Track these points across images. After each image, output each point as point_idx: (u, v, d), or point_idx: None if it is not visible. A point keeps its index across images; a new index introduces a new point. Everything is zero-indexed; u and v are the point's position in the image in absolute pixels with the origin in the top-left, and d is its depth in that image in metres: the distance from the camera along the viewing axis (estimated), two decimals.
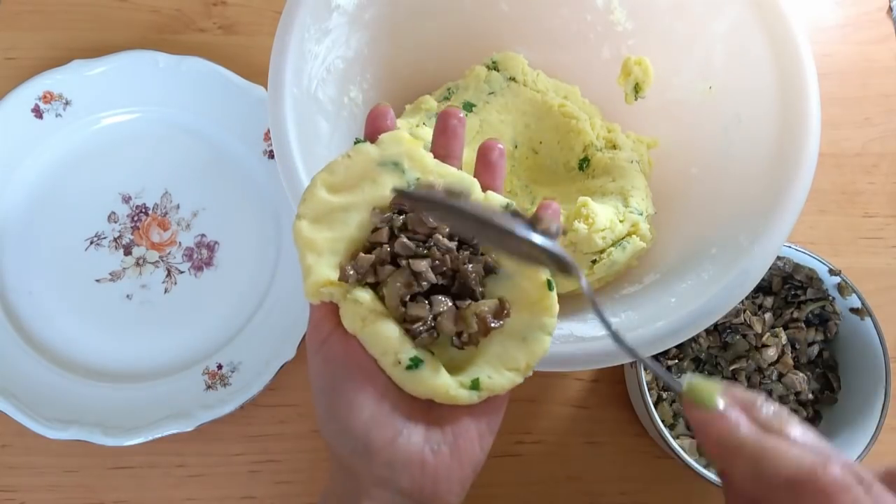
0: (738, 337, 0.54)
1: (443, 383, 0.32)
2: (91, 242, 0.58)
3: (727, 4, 0.47)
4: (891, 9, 0.68)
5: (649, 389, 0.50)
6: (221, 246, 0.58)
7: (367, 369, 0.32)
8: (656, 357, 0.53)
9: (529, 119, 0.54)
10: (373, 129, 0.36)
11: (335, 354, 0.32)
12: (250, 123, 0.60)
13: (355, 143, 0.35)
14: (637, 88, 0.53)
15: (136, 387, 0.54)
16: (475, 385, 0.32)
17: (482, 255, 0.34)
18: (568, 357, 0.38)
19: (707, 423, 0.29)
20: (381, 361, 0.32)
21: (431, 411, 0.32)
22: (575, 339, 0.41)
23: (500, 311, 0.33)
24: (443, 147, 0.37)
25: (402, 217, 0.33)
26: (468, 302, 0.33)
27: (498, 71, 0.55)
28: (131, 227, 0.59)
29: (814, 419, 0.54)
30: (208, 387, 0.54)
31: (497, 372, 0.32)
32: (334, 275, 0.33)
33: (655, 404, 0.52)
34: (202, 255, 0.58)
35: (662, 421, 0.49)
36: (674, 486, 0.54)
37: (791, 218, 0.41)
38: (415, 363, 0.31)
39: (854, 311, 0.54)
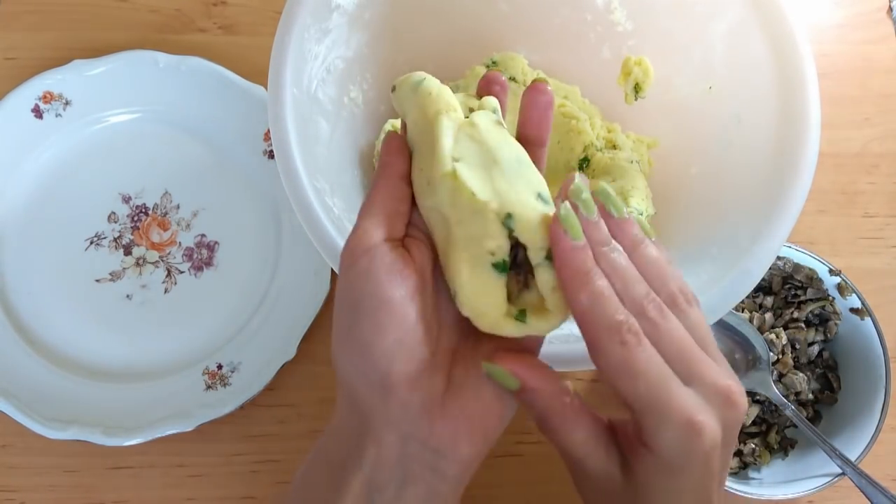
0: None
1: (503, 303, 0.30)
2: (91, 242, 0.58)
3: (727, 5, 0.47)
4: (890, 9, 0.68)
5: None
6: (221, 246, 0.58)
7: (411, 286, 0.29)
8: None
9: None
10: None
11: (378, 265, 0.28)
12: (250, 123, 0.60)
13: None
14: (637, 88, 0.53)
15: (136, 387, 0.54)
16: (521, 317, 0.29)
17: None
18: (568, 357, 0.38)
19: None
20: (463, 248, 0.29)
21: (456, 356, 0.30)
22: (575, 338, 0.41)
23: None
24: (534, 128, 0.34)
25: None
26: None
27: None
28: (131, 227, 0.59)
29: (814, 419, 0.54)
30: (208, 387, 0.54)
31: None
32: None
33: None
34: (202, 255, 0.58)
35: None
36: None
37: (791, 218, 0.41)
38: (502, 268, 0.29)
39: (854, 311, 0.54)
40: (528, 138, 0.34)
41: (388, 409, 0.28)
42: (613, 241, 0.29)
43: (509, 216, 0.29)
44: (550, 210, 0.29)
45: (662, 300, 0.29)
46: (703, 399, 0.28)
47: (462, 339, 0.31)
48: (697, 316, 0.30)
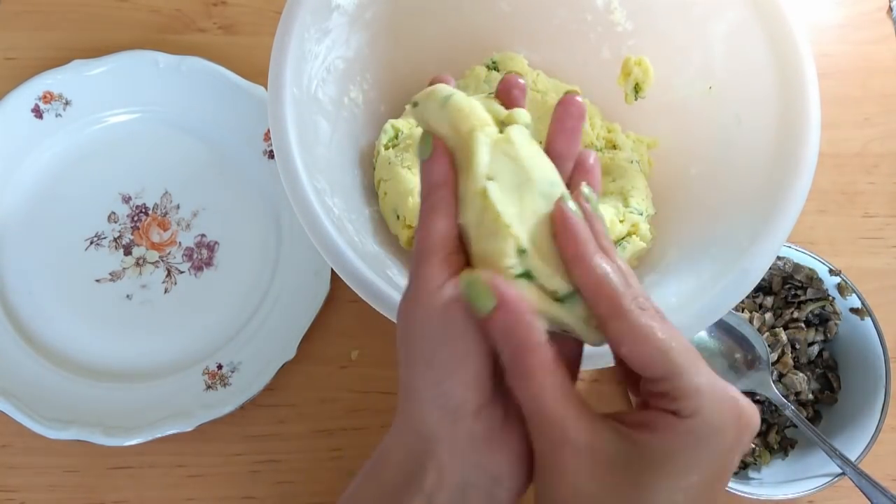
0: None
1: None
2: (91, 242, 0.58)
3: (727, 5, 0.47)
4: (891, 9, 0.68)
5: None
6: (221, 246, 0.58)
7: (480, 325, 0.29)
8: None
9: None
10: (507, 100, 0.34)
11: (456, 308, 0.29)
12: (250, 123, 0.60)
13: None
14: (637, 88, 0.53)
15: (136, 387, 0.54)
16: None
17: None
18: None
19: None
20: (480, 265, 0.30)
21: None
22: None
23: None
24: (565, 142, 0.34)
25: None
26: None
27: (498, 71, 0.55)
28: (131, 227, 0.59)
29: (814, 419, 0.54)
30: (208, 387, 0.54)
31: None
32: None
33: None
34: (202, 255, 0.58)
35: None
36: None
37: (791, 218, 0.41)
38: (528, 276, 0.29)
39: (854, 311, 0.54)
40: (557, 153, 0.33)
41: (455, 436, 0.29)
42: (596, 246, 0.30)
43: (523, 251, 0.29)
44: None
45: None
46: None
47: None
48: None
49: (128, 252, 0.58)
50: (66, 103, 0.60)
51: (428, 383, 0.29)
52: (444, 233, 0.30)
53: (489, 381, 0.29)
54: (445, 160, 0.31)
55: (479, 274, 0.28)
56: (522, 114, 0.33)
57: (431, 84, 0.33)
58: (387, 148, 0.52)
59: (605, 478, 0.27)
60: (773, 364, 0.54)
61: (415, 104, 0.33)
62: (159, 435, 0.51)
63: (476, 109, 0.32)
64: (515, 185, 0.30)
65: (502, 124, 0.32)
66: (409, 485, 0.30)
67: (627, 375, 0.30)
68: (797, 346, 0.55)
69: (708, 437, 0.27)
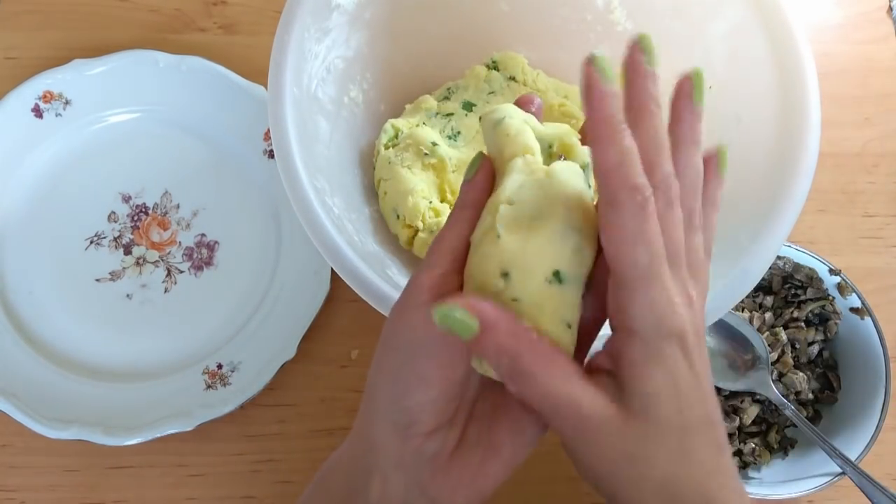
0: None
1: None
2: (91, 242, 0.58)
3: (727, 5, 0.47)
4: (891, 8, 0.68)
5: None
6: (221, 246, 0.58)
7: (458, 349, 0.29)
8: None
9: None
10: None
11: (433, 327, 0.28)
12: (250, 123, 0.60)
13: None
14: None
15: (136, 386, 0.54)
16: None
17: None
18: None
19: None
20: (472, 276, 0.29)
21: (472, 414, 0.31)
22: None
23: None
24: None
25: None
26: None
27: (498, 70, 0.55)
28: (131, 227, 0.59)
29: (814, 419, 0.54)
30: (208, 386, 0.54)
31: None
32: None
33: None
34: (202, 255, 0.58)
35: None
36: None
37: (791, 217, 0.41)
38: (560, 279, 0.28)
39: (854, 310, 0.54)
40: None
41: (402, 452, 0.29)
42: (658, 106, 0.28)
43: (507, 276, 0.28)
44: (555, 292, 0.28)
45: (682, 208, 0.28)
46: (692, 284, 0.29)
47: (482, 396, 0.32)
48: (697, 243, 0.29)
49: (128, 252, 0.58)
50: (66, 103, 0.60)
51: (387, 397, 0.30)
52: (451, 245, 0.30)
53: (448, 406, 0.30)
54: (483, 185, 0.31)
55: (456, 303, 0.27)
56: (582, 152, 0.32)
57: (520, 101, 0.34)
58: (387, 147, 0.52)
59: (625, 430, 0.27)
60: (773, 364, 0.54)
61: (480, 119, 0.33)
62: (159, 435, 0.51)
63: (523, 135, 0.31)
64: (533, 216, 0.28)
65: (558, 156, 0.32)
66: (357, 493, 0.30)
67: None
68: (797, 346, 0.55)
69: (652, 349, 0.27)
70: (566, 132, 0.33)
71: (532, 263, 0.28)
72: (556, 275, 0.28)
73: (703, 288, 0.30)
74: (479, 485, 0.30)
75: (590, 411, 0.27)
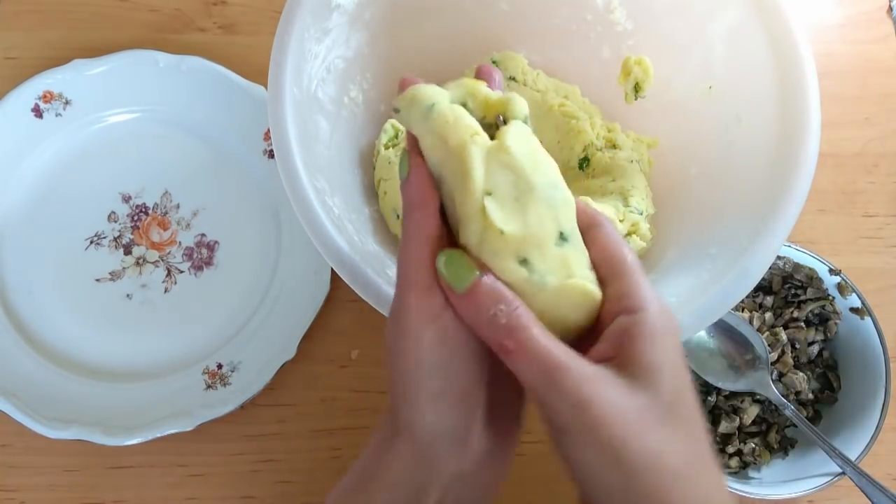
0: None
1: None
2: (91, 242, 0.58)
3: (727, 5, 0.47)
4: (891, 8, 0.68)
5: None
6: (221, 245, 0.58)
7: (482, 353, 0.30)
8: None
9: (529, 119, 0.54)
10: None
11: (453, 332, 0.29)
12: (250, 123, 0.60)
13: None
14: (637, 88, 0.53)
15: (136, 386, 0.54)
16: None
17: None
18: None
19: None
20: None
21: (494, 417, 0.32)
22: None
23: None
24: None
25: None
26: None
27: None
28: (131, 227, 0.59)
29: (814, 419, 0.54)
30: (208, 386, 0.54)
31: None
32: None
33: None
34: (202, 255, 0.58)
35: None
36: None
37: (791, 217, 0.40)
38: (565, 237, 0.29)
39: (854, 310, 0.54)
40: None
41: (461, 463, 0.30)
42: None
43: (525, 261, 0.29)
44: (568, 250, 0.29)
45: None
46: None
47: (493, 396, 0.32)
48: None
49: (128, 252, 0.58)
50: (66, 103, 0.60)
51: (439, 416, 0.30)
52: (421, 255, 0.29)
53: (474, 403, 0.30)
54: (423, 179, 0.30)
55: (457, 252, 0.29)
56: (518, 104, 0.30)
57: (402, 87, 0.31)
58: (387, 147, 0.52)
59: (630, 401, 0.27)
60: (773, 363, 0.54)
61: (396, 110, 0.31)
62: (159, 434, 0.51)
63: (463, 118, 0.29)
64: (516, 196, 0.29)
65: (496, 116, 0.30)
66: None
67: None
68: (797, 346, 0.55)
69: (658, 326, 0.28)
70: (472, 87, 0.31)
71: (541, 238, 0.29)
72: (561, 235, 0.29)
73: None
74: (501, 456, 0.32)
75: (581, 377, 0.27)
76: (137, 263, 0.58)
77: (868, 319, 0.53)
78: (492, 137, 0.29)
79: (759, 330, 0.54)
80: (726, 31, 0.48)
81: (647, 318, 0.28)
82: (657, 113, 0.54)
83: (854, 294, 0.54)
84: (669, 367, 0.28)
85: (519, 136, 0.29)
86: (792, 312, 0.55)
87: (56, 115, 0.59)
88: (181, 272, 0.58)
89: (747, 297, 0.55)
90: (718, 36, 0.48)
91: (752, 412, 0.53)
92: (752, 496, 0.49)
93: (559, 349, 0.27)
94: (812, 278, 0.55)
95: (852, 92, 0.66)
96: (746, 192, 0.44)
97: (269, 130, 0.59)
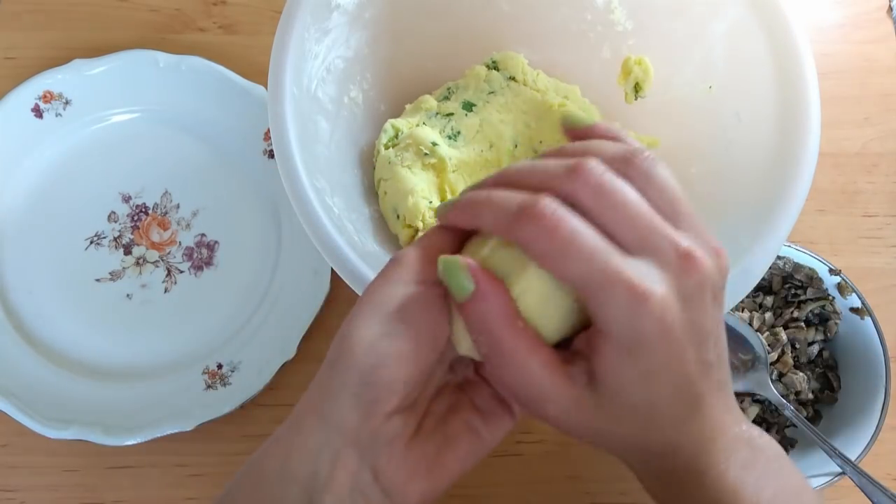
0: None
1: None
2: (91, 242, 0.58)
3: (727, 5, 0.47)
4: (891, 8, 0.68)
5: None
6: (221, 245, 0.58)
7: (441, 327, 0.29)
8: None
9: (529, 118, 0.54)
10: None
11: (418, 307, 0.28)
12: (250, 123, 0.60)
13: None
14: (637, 88, 0.53)
15: (136, 386, 0.54)
16: None
17: None
18: None
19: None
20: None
21: (430, 407, 0.31)
22: None
23: None
24: None
25: None
26: None
27: (498, 70, 0.55)
28: (131, 227, 0.59)
29: (814, 419, 0.54)
30: (208, 386, 0.54)
31: None
32: None
33: None
34: (202, 255, 0.58)
35: None
36: None
37: (791, 217, 0.41)
38: None
39: (854, 310, 0.54)
40: None
41: (360, 429, 0.28)
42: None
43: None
44: None
45: (615, 165, 0.27)
46: (655, 267, 0.26)
47: (438, 397, 0.31)
48: (661, 176, 0.28)
49: (128, 251, 0.58)
50: (67, 103, 0.60)
51: (357, 368, 0.28)
52: (437, 240, 0.30)
53: (414, 391, 0.29)
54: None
55: (457, 259, 0.28)
56: None
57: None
58: (387, 147, 0.52)
59: (592, 421, 0.28)
60: (773, 364, 0.54)
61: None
62: (159, 434, 0.51)
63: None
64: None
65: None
66: (295, 476, 0.29)
67: None
68: (797, 346, 0.55)
69: (630, 349, 0.26)
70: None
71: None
72: None
73: (696, 224, 0.28)
74: (435, 477, 0.29)
75: (561, 399, 0.27)
76: (137, 263, 0.58)
77: (868, 319, 0.53)
78: None
79: (758, 330, 0.54)
80: (726, 31, 0.48)
81: (611, 342, 0.27)
82: (657, 113, 0.54)
83: (854, 294, 0.54)
84: (635, 384, 0.27)
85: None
86: (792, 312, 0.55)
87: (56, 115, 0.60)
88: (181, 272, 0.58)
89: (747, 297, 0.55)
90: (718, 35, 0.48)
91: (751, 412, 0.53)
92: None
93: (536, 379, 0.27)
94: (812, 278, 0.55)
95: (852, 92, 0.66)
96: (747, 192, 0.44)
97: (269, 130, 0.59)
